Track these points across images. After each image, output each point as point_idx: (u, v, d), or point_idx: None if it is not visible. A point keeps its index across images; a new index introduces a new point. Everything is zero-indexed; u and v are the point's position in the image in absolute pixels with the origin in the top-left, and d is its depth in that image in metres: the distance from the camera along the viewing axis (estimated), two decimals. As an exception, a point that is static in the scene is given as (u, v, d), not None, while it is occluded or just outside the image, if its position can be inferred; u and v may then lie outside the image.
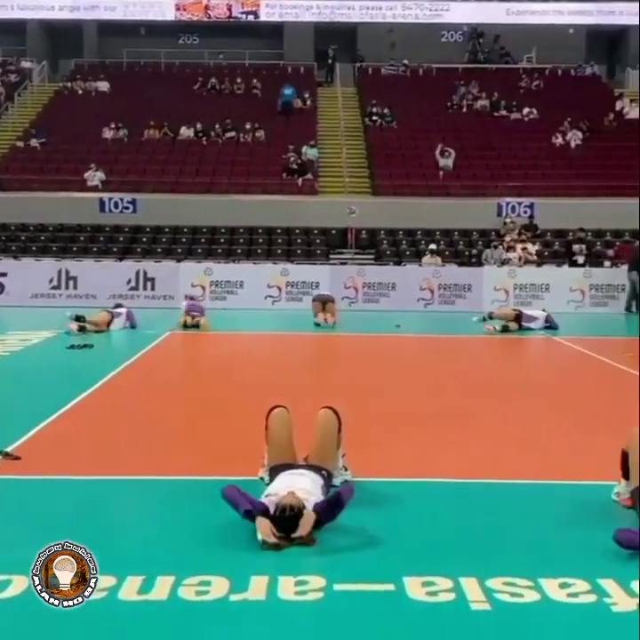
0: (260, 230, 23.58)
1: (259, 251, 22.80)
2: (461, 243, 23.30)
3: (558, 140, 26.66)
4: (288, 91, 28.71)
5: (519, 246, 21.62)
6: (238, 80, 30.37)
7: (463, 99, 29.09)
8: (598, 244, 22.72)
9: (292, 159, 25.17)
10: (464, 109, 28.86)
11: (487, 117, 28.38)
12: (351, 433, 5.73)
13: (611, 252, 21.52)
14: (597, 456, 6.17)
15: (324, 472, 5.16)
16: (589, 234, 22.81)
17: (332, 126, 28.57)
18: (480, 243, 22.90)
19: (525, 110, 28.12)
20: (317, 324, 15.72)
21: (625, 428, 5.34)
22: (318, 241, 23.34)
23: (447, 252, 22.41)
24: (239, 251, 22.79)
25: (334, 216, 22.96)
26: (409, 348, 13.73)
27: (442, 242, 22.95)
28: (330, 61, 31.56)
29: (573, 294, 19.66)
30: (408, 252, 22.68)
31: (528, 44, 31.75)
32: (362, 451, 6.02)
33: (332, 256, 22.64)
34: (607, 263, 21.04)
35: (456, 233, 23.57)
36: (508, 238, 22.10)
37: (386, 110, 27.90)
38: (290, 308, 18.95)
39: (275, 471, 5.15)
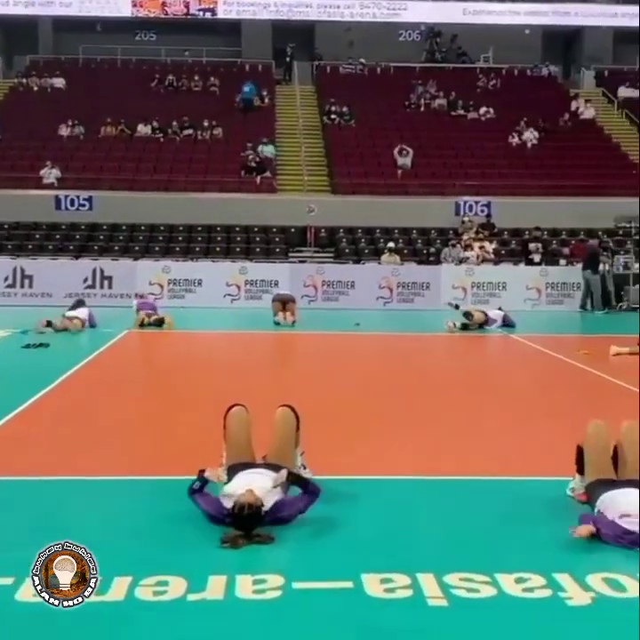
0: (218, 228, 23.48)
1: (217, 249, 22.71)
2: (420, 241, 23.43)
3: (515, 140, 26.93)
4: (248, 88, 28.64)
5: (477, 245, 21.79)
6: (196, 77, 30.20)
7: (421, 98, 29.25)
8: (554, 242, 22.99)
9: (250, 157, 25.11)
10: (422, 108, 29.02)
11: (445, 117, 28.58)
12: (310, 431, 5.72)
13: (566, 251, 21.79)
14: (553, 452, 6.24)
15: (282, 471, 5.15)
16: (545, 233, 23.07)
17: (290, 124, 28.55)
18: (438, 241, 23.05)
19: (482, 110, 28.35)
20: (277, 323, 15.71)
21: (580, 423, 5.41)
22: (277, 239, 23.31)
23: (406, 251, 22.52)
24: (197, 249, 22.68)
25: (293, 214, 22.95)
26: (368, 347, 13.78)
27: (400, 240, 23.05)
28: (288, 59, 31.53)
29: (530, 292, 19.87)
30: (367, 251, 22.75)
31: (485, 43, 32.01)
32: (320, 448, 6.02)
33: (291, 254, 22.62)
34: (563, 262, 21.30)
35: (414, 231, 23.70)
36: (465, 237, 22.27)
37: (344, 109, 27.95)
38: (249, 307, 18.90)
39: (233, 470, 5.12)
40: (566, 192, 24.17)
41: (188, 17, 32.97)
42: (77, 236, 23.05)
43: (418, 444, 6.76)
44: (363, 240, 23.41)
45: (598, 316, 18.54)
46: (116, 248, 22.56)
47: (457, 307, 16.00)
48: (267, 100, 28.96)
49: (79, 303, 15.34)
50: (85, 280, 19.44)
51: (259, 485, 4.73)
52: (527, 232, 22.94)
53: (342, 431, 7.17)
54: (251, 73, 31.22)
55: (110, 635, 3.46)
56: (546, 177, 25.19)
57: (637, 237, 21.49)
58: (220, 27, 33.19)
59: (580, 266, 19.75)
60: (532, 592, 3.89)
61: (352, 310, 18.11)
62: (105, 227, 23.37)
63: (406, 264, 21.15)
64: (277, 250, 22.77)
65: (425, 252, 22.70)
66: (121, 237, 23.17)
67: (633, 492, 4.79)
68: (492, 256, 21.82)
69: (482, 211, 23.83)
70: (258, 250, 22.70)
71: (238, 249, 22.72)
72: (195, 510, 4.66)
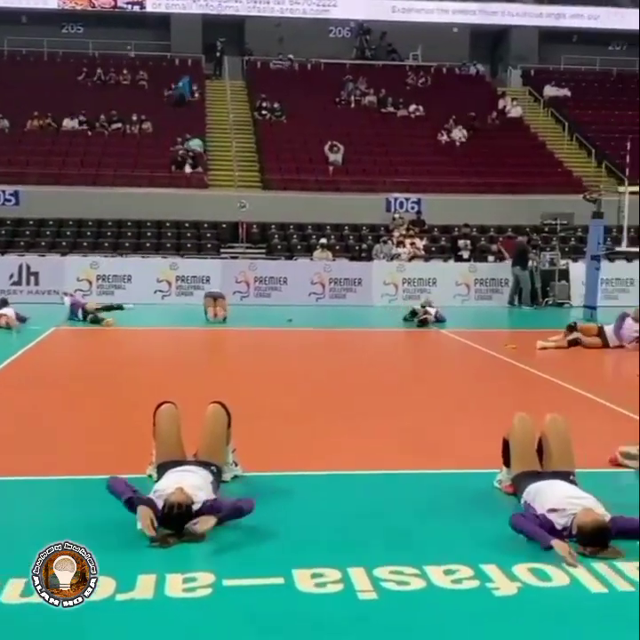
0: (148, 224, 23.20)
1: (147, 244, 22.43)
2: (352, 237, 23.52)
3: (444, 138, 27.25)
4: (183, 81, 28.42)
5: (407, 241, 21.99)
6: (125, 71, 29.77)
7: (351, 94, 29.35)
8: (482, 239, 23.33)
9: (180, 151, 24.89)
10: (352, 105, 29.13)
11: (375, 113, 28.74)
12: (242, 427, 5.71)
13: (494, 248, 22.13)
14: (480, 445, 6.34)
15: (213, 468, 5.13)
16: (474, 229, 23.40)
17: (220, 119, 28.37)
18: (370, 237, 23.18)
19: (412, 107, 28.60)
20: (208, 320, 15.66)
21: (507, 416, 5.51)
22: (209, 235, 23.15)
23: (338, 247, 22.59)
24: (127, 244, 22.37)
25: (225, 210, 22.80)
26: (301, 343, 13.78)
27: (332, 236, 23.11)
28: (218, 54, 31.29)
29: (459, 288, 20.12)
30: (299, 247, 22.76)
31: (414, 41, 32.28)
32: (253, 445, 6.01)
33: (222, 250, 22.48)
34: (491, 258, 21.63)
35: (346, 228, 23.79)
36: (396, 233, 22.44)
37: (275, 104, 27.90)
38: (180, 303, 18.73)
39: (163, 468, 5.08)
40: (494, 189, 24.56)
41: (116, 10, 32.44)
42: (3, 232, 22.50)
43: (351, 440, 6.79)
44: (295, 236, 23.41)
45: (526, 312, 18.88)
46: (43, 243, 22.09)
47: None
48: (197, 95, 28.72)
49: (3, 303, 15.01)
50: (11, 276, 19.00)
51: (189, 483, 4.69)
52: (456, 229, 23.22)
53: (275, 428, 7.17)
54: (180, 67, 30.91)
55: (38, 635, 3.41)
56: (474, 174, 25.56)
57: (563, 234, 21.96)
58: (148, 20, 32.74)
59: (508, 262, 20.08)
60: (461, 583, 3.95)
61: (284, 306, 18.09)
62: (31, 222, 22.88)
63: (338, 260, 21.22)
64: (209, 245, 22.61)
65: (357, 248, 22.80)
66: (48, 233, 22.71)
67: (558, 484, 4.90)
68: (423, 252, 22.04)
69: (412, 207, 24.05)
70: (189, 245, 22.51)
71: (169, 245, 22.49)
72: (123, 509, 4.60)
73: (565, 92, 30.75)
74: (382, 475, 5.83)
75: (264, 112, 27.87)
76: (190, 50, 31.77)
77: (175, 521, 4.41)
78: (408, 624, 3.60)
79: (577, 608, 3.78)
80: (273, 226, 23.50)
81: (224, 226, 23.23)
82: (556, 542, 4.27)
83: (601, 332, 12.72)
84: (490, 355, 11.90)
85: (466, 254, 21.90)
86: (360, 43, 33.24)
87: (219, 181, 25.12)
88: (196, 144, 25.52)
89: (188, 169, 24.61)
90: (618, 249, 17.16)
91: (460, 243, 22.30)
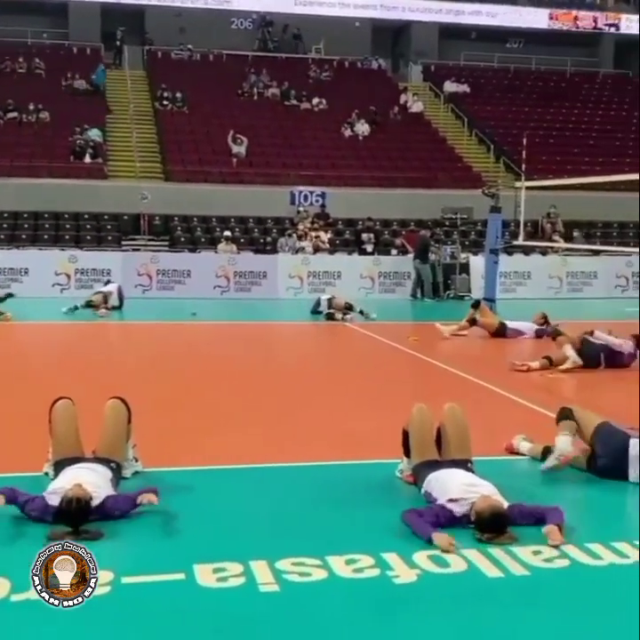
0: (46, 215, 22.59)
1: (45, 236, 21.83)
2: (256, 230, 23.44)
3: (347, 132, 27.42)
4: (99, 70, 27.90)
5: (312, 234, 22.06)
6: (20, 59, 28.87)
7: (254, 87, 29.23)
8: (386, 233, 23.60)
9: (79, 141, 24.32)
10: (255, 97, 29.01)
11: (278, 106, 28.69)
12: (142, 423, 5.63)
13: (398, 241, 22.42)
14: (380, 435, 6.41)
15: (112, 464, 5.04)
16: (377, 223, 23.65)
17: (121, 109, 27.81)
18: (275, 230, 23.15)
19: (315, 100, 28.67)
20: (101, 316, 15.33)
21: (406, 407, 5.59)
22: (109, 227, 22.68)
23: (242, 240, 22.48)
24: (24, 236, 21.71)
25: (126, 201, 22.38)
26: (206, 336, 13.67)
27: (237, 229, 22.97)
28: (118, 43, 30.68)
29: (364, 281, 20.31)
30: (203, 239, 22.54)
31: (316, 35, 32.36)
32: (153, 440, 5.93)
33: (124, 242, 22.07)
34: (394, 251, 21.91)
35: (251, 220, 23.69)
36: (301, 226, 22.47)
37: (177, 95, 27.54)
38: (80, 297, 18.25)
39: (60, 466, 4.96)
40: (397, 184, 24.87)
41: (12, -5, 31.42)
42: None
43: (254, 433, 6.78)
44: (198, 228, 23.18)
45: (428, 304, 19.20)
46: None
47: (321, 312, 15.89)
48: (96, 84, 28.08)
49: None
50: None
51: (86, 480, 4.60)
52: (360, 222, 23.42)
53: (177, 422, 7.09)
54: (78, 56, 30.19)
55: None
56: (377, 169, 25.82)
57: (463, 228, 22.41)
58: (46, 7, 31.80)
59: (411, 256, 20.37)
60: (362, 572, 3.99)
61: (188, 299, 17.92)
62: None
63: (243, 253, 21.11)
64: (109, 238, 22.16)
65: (262, 241, 22.74)
66: (-60, 225, 21.90)
67: (456, 472, 5.00)
68: (327, 245, 22.15)
69: (317, 201, 24.11)
70: (89, 238, 22.01)
71: (68, 237, 21.94)
72: (16, 512, 4.47)
73: (465, 88, 31.37)
74: (284, 467, 5.83)
75: (165, 102, 27.48)
76: (89, 38, 31.05)
77: (74, 517, 4.32)
78: (310, 615, 3.62)
79: (474, 593, 3.87)
80: (176, 218, 23.22)
81: (125, 217, 22.81)
82: (434, 535, 4.34)
83: (501, 325, 13.02)
84: (392, 346, 12.05)
85: (370, 248, 22.12)
86: (262, 35, 33.12)
87: (119, 172, 24.65)
88: (95, 134, 24.96)
89: (87, 159, 24.07)
90: (515, 243, 17.57)
91: (364, 236, 22.51)
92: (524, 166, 16.24)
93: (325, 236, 22.34)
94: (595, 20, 35.08)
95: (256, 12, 33.04)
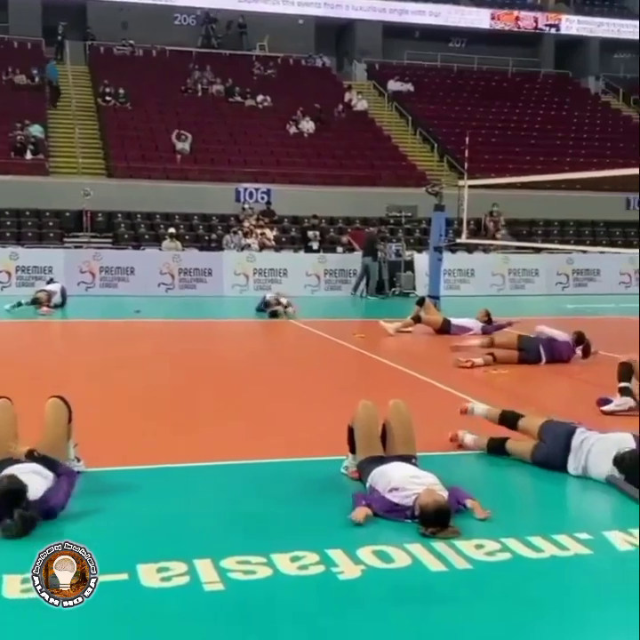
0: (-15, 212, 22.18)
1: (-15, 234, 21.44)
2: (201, 227, 23.30)
3: (292, 129, 27.40)
4: (50, 65, 27.45)
5: (258, 231, 22.01)
6: (-43, 53, 28.30)
7: (198, 83, 29.02)
8: (331, 230, 23.66)
9: (19, 137, 23.88)
10: (199, 94, 28.80)
11: (223, 103, 28.55)
12: (84, 422, 5.55)
13: (345, 239, 22.48)
14: (326, 432, 6.42)
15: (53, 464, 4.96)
16: (323, 221, 23.69)
17: (62, 105, 27.39)
18: (220, 227, 23.05)
19: (260, 97, 28.58)
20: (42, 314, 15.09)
21: (352, 404, 5.61)
22: (51, 223, 22.33)
23: (187, 237, 22.33)
24: (-37, 234, 21.30)
25: (68, 198, 22.04)
26: (150, 334, 13.54)
27: (181, 226, 22.82)
28: (59, 38, 30.19)
29: (310, 279, 20.34)
30: (147, 236, 22.34)
31: (260, 32, 32.27)
32: (96, 440, 5.86)
33: (66, 240, 21.75)
34: (340, 249, 21.97)
35: (196, 217, 23.53)
36: (246, 224, 22.41)
37: (120, 91, 27.21)
38: (21, 294, 17.94)
39: (0, 466, 4.87)
40: (342, 181, 24.93)
41: (-53, -13, 30.74)
42: None
43: (198, 430, 6.74)
44: (142, 225, 22.96)
45: (373, 301, 19.30)
46: None
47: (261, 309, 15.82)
48: (37, 80, 27.61)
49: None
50: None
51: (25, 478, 4.52)
52: (306, 220, 23.44)
53: (120, 421, 7.02)
54: (19, 51, 29.63)
55: None
56: (322, 166, 25.85)
57: (408, 226, 22.57)
58: (-17, 0, 31.21)
59: (357, 253, 20.45)
60: (307, 569, 4.00)
61: (132, 297, 17.74)
62: None
63: (188, 250, 20.98)
64: (51, 234, 21.82)
65: (206, 238, 22.62)
66: None
67: (400, 465, 5.04)
68: (273, 243, 22.12)
69: (262, 198, 24.08)
70: (30, 234, 21.65)
71: (8, 234, 21.55)
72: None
73: (408, 86, 31.58)
74: (228, 465, 5.81)
75: (108, 98, 27.13)
76: (30, 33, 30.48)
77: (4, 497, 4.28)
78: (255, 613, 3.61)
79: (417, 587, 3.90)
80: (119, 214, 22.96)
81: (67, 214, 22.49)
82: (353, 514, 4.58)
83: (445, 322, 13.14)
84: (338, 344, 12.08)
85: (315, 245, 22.16)
86: (206, 31, 32.90)
87: (61, 168, 24.28)
88: (36, 130, 24.54)
89: (28, 155, 23.65)
90: (459, 241, 17.76)
91: (310, 234, 22.54)
92: (466, 165, 16.41)
93: (271, 234, 22.31)
94: (535, 21, 35.59)
95: (199, 8, 32.81)
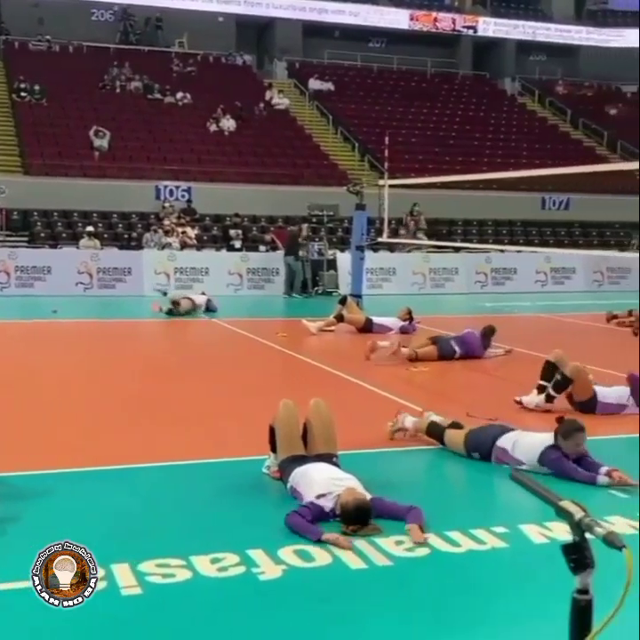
0: None
1: None
2: (120, 225, 22.95)
3: (213, 127, 27.21)
4: None
5: (179, 230, 21.79)
6: None
7: (116, 80, 28.57)
8: (254, 229, 23.58)
9: None
10: (117, 90, 28.33)
11: (141, 100, 28.16)
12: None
13: (268, 237, 22.43)
14: (248, 432, 6.40)
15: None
16: (245, 219, 23.60)
17: (-24, 100, 26.68)
18: (140, 226, 22.74)
19: (179, 95, 28.28)
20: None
21: (273, 403, 5.60)
22: (-36, 223, 21.73)
23: (106, 235, 21.96)
24: None
25: (-19, 196, 21.48)
26: (68, 334, 13.27)
27: (100, 224, 22.43)
28: (-28, 32, 29.40)
29: (232, 278, 20.22)
30: (64, 235, 21.88)
31: (179, 28, 31.94)
32: (6, 444, 5.71)
33: (-20, 239, 21.19)
34: (262, 248, 21.92)
35: (115, 215, 23.16)
36: (167, 222, 22.16)
37: (36, 87, 26.58)
38: None
39: None
40: (263, 180, 24.86)
41: None
42: None
43: (115, 433, 6.63)
44: (59, 224, 22.48)
45: (297, 300, 19.31)
46: None
47: (165, 293, 15.89)
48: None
49: None
50: None
51: None
52: (228, 218, 23.31)
53: (33, 424, 6.85)
54: None
55: None
56: (244, 164, 25.74)
57: (331, 225, 22.65)
58: None
59: (280, 252, 20.43)
60: (227, 571, 3.97)
61: (49, 297, 17.35)
62: None
63: (106, 249, 20.63)
64: (-36, 234, 21.24)
65: (126, 236, 22.29)
66: None
67: (321, 466, 5.05)
68: (194, 241, 21.94)
69: (182, 196, 23.86)
70: (-58, 234, 21.03)
71: None
72: None
73: (329, 85, 31.68)
74: (146, 467, 5.74)
75: (23, 94, 26.47)
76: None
77: None
78: (174, 617, 3.57)
79: (338, 585, 3.92)
80: (35, 213, 22.44)
81: (-19, 213, 21.90)
82: (325, 537, 4.37)
83: (367, 321, 13.22)
84: (261, 343, 12.06)
85: (238, 244, 22.06)
86: (124, 27, 32.42)
87: (-26, 166, 23.62)
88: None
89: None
90: (380, 240, 17.90)
91: (232, 232, 22.43)
92: (386, 165, 16.53)
93: (192, 232, 22.12)
94: (453, 22, 36.10)
95: (117, 4, 32.30)
